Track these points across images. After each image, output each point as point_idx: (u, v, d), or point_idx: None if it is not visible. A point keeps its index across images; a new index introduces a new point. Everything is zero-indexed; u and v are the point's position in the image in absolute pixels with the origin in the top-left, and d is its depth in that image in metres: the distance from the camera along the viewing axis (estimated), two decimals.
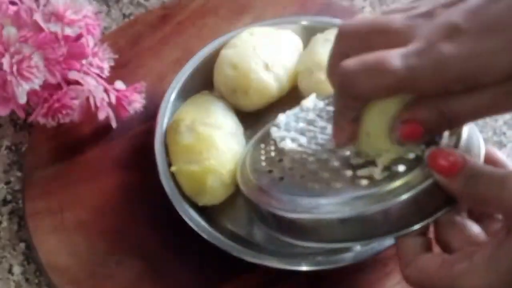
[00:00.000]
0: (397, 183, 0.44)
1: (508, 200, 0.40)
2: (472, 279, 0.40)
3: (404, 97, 0.42)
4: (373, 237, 0.45)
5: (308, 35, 0.67)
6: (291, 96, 0.63)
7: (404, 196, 0.43)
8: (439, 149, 0.43)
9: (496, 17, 0.38)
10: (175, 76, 0.65)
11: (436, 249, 0.45)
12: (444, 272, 0.42)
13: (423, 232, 0.45)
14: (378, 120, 0.44)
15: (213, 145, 0.58)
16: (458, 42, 0.38)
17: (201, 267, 0.59)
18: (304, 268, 0.55)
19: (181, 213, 0.57)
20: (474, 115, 0.42)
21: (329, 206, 0.45)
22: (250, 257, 0.55)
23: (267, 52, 0.63)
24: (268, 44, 0.63)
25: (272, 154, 0.54)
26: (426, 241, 0.45)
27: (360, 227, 0.45)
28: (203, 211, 0.59)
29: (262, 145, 0.56)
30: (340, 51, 0.44)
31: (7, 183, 0.66)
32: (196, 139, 0.58)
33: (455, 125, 0.43)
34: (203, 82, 0.65)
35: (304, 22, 0.68)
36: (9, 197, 0.65)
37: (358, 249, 0.56)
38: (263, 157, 0.55)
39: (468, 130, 0.46)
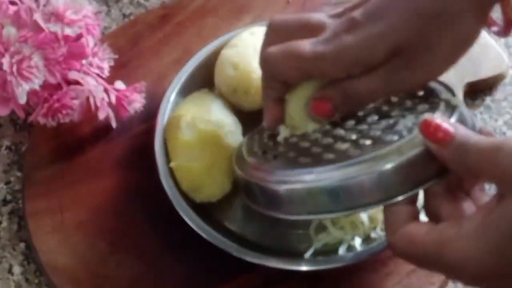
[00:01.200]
0: (388, 149, 0.44)
1: (503, 166, 0.39)
2: (460, 246, 0.39)
3: (318, 84, 0.49)
4: (362, 206, 0.45)
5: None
6: None
7: (394, 162, 0.43)
8: (431, 116, 0.44)
9: (377, 7, 0.46)
10: (175, 76, 0.65)
11: None
12: (431, 239, 0.41)
13: (412, 201, 0.45)
14: (296, 104, 0.51)
15: (212, 142, 0.58)
16: (355, 32, 0.46)
17: (201, 267, 0.59)
18: (304, 268, 0.55)
19: (181, 213, 0.57)
20: (372, 93, 0.48)
21: (318, 175, 0.46)
22: (250, 257, 0.55)
23: None
24: None
25: (266, 140, 0.55)
26: (415, 210, 0.45)
27: (349, 196, 0.45)
28: (200, 208, 0.59)
29: (257, 136, 0.57)
30: (269, 41, 0.51)
31: (7, 183, 0.66)
32: (197, 136, 0.58)
33: (358, 104, 0.49)
34: (203, 82, 0.65)
35: None
36: (9, 197, 0.65)
37: (358, 249, 0.56)
38: (257, 144, 0.55)
39: (463, 109, 0.47)
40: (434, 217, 0.45)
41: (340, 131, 0.49)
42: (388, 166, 0.43)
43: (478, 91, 0.70)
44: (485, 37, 0.70)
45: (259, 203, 0.51)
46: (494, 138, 0.41)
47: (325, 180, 0.45)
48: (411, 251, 0.43)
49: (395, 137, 0.45)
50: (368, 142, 0.46)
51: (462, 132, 0.42)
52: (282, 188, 0.48)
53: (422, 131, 0.43)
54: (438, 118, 0.43)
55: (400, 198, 0.44)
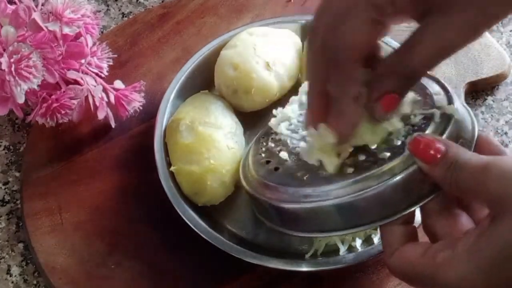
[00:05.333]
0: (381, 169, 0.44)
1: (491, 189, 0.39)
2: (453, 268, 0.40)
3: None
4: (357, 226, 0.45)
5: (307, 34, 0.66)
6: (291, 96, 0.63)
7: (388, 182, 0.43)
8: (420, 135, 0.43)
9: None
10: (175, 76, 0.65)
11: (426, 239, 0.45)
12: (426, 261, 0.41)
13: (408, 221, 0.45)
14: None
15: (213, 145, 0.58)
16: None
17: (201, 268, 0.58)
18: (304, 269, 0.55)
19: (180, 213, 0.57)
20: (425, 62, 0.43)
21: (313, 196, 0.46)
22: (251, 258, 0.55)
23: (267, 51, 0.62)
24: (268, 43, 0.63)
25: (272, 144, 0.55)
26: (411, 230, 0.45)
27: (343, 216, 0.45)
28: (202, 211, 0.59)
29: (264, 138, 0.57)
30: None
31: (5, 183, 0.65)
32: (196, 139, 0.58)
33: (415, 80, 0.45)
34: (203, 82, 0.65)
35: (303, 22, 0.68)
36: (7, 198, 0.64)
37: (358, 250, 0.56)
38: (263, 148, 0.55)
39: (461, 115, 0.46)
40: (432, 235, 0.44)
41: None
42: (382, 186, 0.43)
43: (479, 90, 0.69)
44: (487, 37, 0.70)
45: (270, 218, 0.51)
46: (483, 157, 0.41)
47: (316, 202, 0.45)
48: (407, 273, 0.43)
49: (387, 154, 0.45)
50: (362, 157, 0.46)
51: (453, 150, 0.42)
52: (282, 205, 0.48)
53: (411, 150, 0.43)
54: (429, 136, 0.43)
55: (394, 217, 0.44)
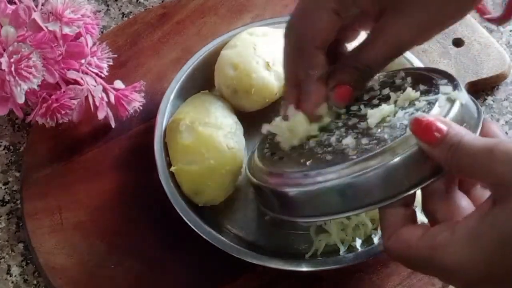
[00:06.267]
0: (382, 150, 0.43)
1: (496, 171, 0.38)
2: (452, 252, 0.39)
3: None
4: (358, 208, 0.45)
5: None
6: None
7: (389, 162, 0.43)
8: (421, 115, 0.43)
9: None
10: (175, 75, 0.65)
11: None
12: (424, 243, 0.41)
13: (408, 203, 0.44)
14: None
15: (213, 145, 0.58)
16: None
17: (201, 268, 0.58)
18: (304, 268, 0.55)
19: (181, 213, 0.57)
20: (379, 58, 0.48)
21: (315, 178, 0.45)
22: (250, 258, 0.55)
23: (267, 51, 0.62)
24: (268, 43, 0.63)
25: (276, 141, 0.54)
26: (410, 212, 0.44)
27: (344, 198, 0.45)
28: (202, 211, 0.59)
29: (270, 137, 0.56)
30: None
31: (5, 183, 0.65)
32: (196, 139, 0.58)
33: (370, 75, 0.50)
34: (203, 82, 0.65)
35: None
36: (7, 198, 0.64)
37: (358, 250, 0.56)
38: (267, 144, 0.55)
39: (466, 100, 0.46)
40: (431, 218, 0.44)
41: (338, 130, 0.49)
42: (382, 167, 0.43)
43: (479, 90, 0.69)
44: (487, 37, 0.70)
45: (273, 208, 0.51)
46: (487, 139, 0.40)
47: (334, 179, 0.45)
48: (406, 255, 0.42)
49: (391, 135, 0.44)
50: (365, 141, 0.46)
51: (455, 131, 0.41)
52: (283, 190, 0.48)
53: (412, 130, 0.42)
54: (431, 116, 0.42)
55: (395, 199, 0.43)
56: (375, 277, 0.57)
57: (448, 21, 0.48)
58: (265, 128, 0.54)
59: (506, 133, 0.67)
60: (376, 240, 0.56)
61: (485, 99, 0.69)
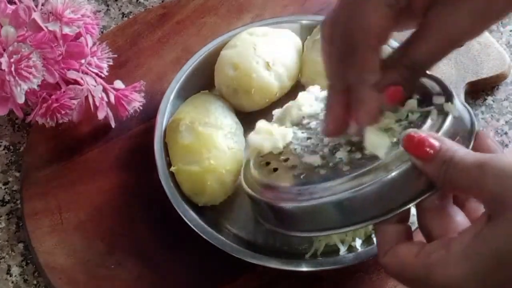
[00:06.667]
0: (376, 166, 0.43)
1: (488, 187, 0.38)
2: (447, 269, 0.39)
3: None
4: (352, 225, 0.45)
5: (307, 34, 0.67)
6: (291, 96, 0.63)
7: (382, 179, 0.43)
8: (414, 131, 0.43)
9: None
10: (175, 76, 0.65)
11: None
12: (420, 261, 0.41)
13: (403, 219, 0.44)
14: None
15: (213, 145, 0.58)
16: None
17: (201, 268, 0.58)
18: (304, 268, 0.55)
19: (181, 213, 0.57)
20: (432, 54, 0.44)
21: (310, 193, 0.45)
22: (250, 258, 0.55)
23: (267, 51, 0.62)
24: (268, 43, 0.63)
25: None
26: (406, 229, 0.44)
27: (339, 214, 0.45)
28: (202, 211, 0.59)
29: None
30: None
31: (5, 183, 0.65)
32: (196, 139, 0.58)
33: (423, 68, 0.46)
34: (203, 82, 0.65)
35: (303, 22, 0.68)
36: (7, 198, 0.64)
37: (358, 250, 0.56)
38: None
39: (459, 112, 0.46)
40: (426, 232, 0.44)
41: (332, 142, 0.49)
42: (376, 183, 0.43)
43: (479, 90, 0.69)
44: (487, 37, 0.70)
45: (269, 220, 0.51)
46: (480, 155, 0.40)
47: (328, 195, 0.45)
48: (401, 273, 0.42)
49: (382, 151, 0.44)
50: (358, 156, 0.46)
51: (447, 146, 0.41)
52: (288, 205, 0.48)
53: (404, 146, 0.42)
54: (423, 132, 0.42)
55: (388, 216, 0.43)
56: (375, 277, 0.57)
57: (501, 14, 0.44)
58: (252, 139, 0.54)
59: (506, 133, 0.67)
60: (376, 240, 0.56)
61: (485, 99, 0.69)
